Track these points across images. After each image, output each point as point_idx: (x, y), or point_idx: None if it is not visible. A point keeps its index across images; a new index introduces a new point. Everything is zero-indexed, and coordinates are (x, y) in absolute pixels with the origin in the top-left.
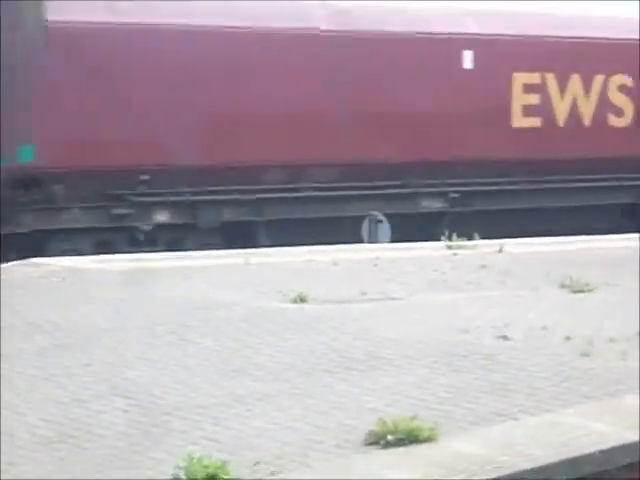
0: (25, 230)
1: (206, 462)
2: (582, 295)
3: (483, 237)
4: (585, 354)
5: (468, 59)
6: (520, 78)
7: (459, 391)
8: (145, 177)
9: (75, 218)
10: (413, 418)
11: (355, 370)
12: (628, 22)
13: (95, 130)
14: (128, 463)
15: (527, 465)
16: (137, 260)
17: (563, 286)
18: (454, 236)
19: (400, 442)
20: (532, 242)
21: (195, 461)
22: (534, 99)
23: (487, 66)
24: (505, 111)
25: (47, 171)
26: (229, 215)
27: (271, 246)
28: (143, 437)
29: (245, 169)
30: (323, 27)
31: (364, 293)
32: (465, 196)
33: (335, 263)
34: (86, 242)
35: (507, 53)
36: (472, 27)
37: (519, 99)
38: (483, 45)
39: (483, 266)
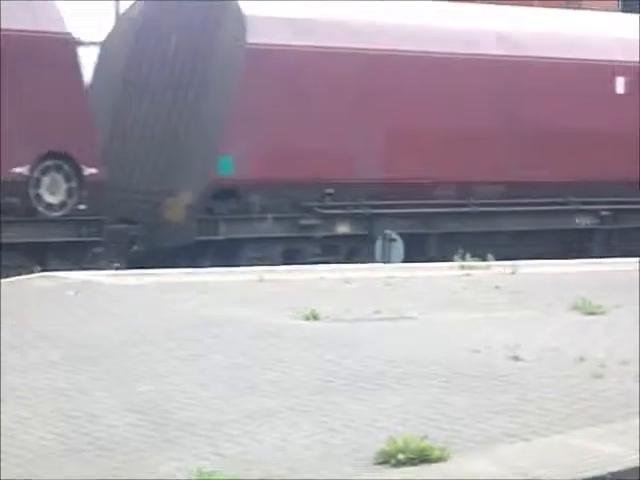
0: (221, 238)
1: (217, 477)
2: (594, 317)
3: (630, 254)
4: (597, 376)
5: (621, 85)
6: None
7: (470, 411)
8: (330, 190)
9: (268, 228)
10: (424, 437)
11: (366, 388)
12: None
13: (288, 145)
14: (138, 478)
15: None
16: (152, 275)
17: (575, 308)
18: (467, 256)
19: (411, 461)
20: (544, 264)
21: (206, 476)
22: None
23: (638, 91)
24: None
25: (244, 183)
26: (402, 227)
27: (436, 260)
28: (154, 452)
29: (418, 185)
30: (492, 52)
31: (377, 312)
32: (615, 214)
33: (348, 281)
34: (275, 250)
35: None
36: (619, 55)
37: None
38: (634, 72)
39: (496, 287)
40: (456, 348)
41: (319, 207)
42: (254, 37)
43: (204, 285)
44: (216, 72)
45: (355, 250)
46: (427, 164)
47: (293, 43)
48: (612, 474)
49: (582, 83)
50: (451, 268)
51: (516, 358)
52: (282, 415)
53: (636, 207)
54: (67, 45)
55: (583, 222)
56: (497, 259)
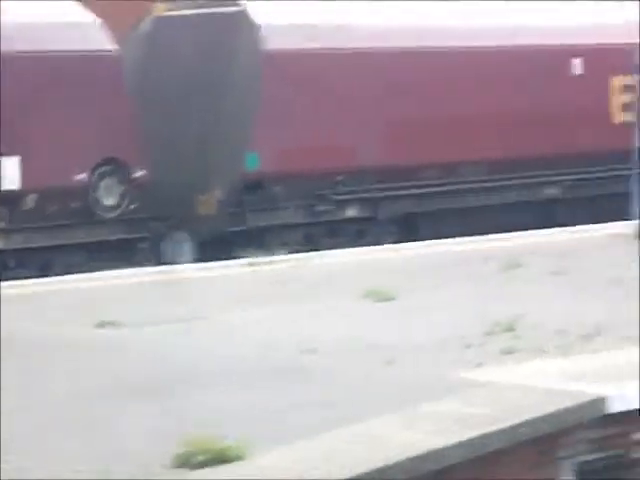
0: (251, 227)
1: None
2: (385, 304)
3: (591, 221)
4: (390, 362)
5: (577, 66)
6: (617, 80)
7: (267, 407)
8: (340, 178)
9: (289, 215)
10: (222, 437)
11: (160, 392)
12: None
13: (303, 140)
14: None
15: (339, 476)
16: None
17: (367, 296)
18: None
19: (209, 462)
20: (335, 254)
21: None
22: (628, 98)
23: (591, 72)
24: (605, 109)
25: (269, 176)
26: (403, 208)
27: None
28: None
29: (409, 168)
30: (463, 44)
31: (167, 314)
32: (576, 184)
33: (139, 285)
34: (295, 236)
35: (607, 60)
36: (580, 39)
37: (617, 98)
38: (588, 54)
39: (286, 281)
40: (250, 345)
41: (332, 194)
42: (270, 42)
43: None
44: (236, 80)
45: (362, 231)
46: (415, 149)
47: (302, 47)
48: (410, 459)
49: (542, 68)
50: (240, 266)
51: (310, 351)
52: (73, 426)
53: (595, 176)
54: (113, 62)
55: (550, 193)
56: (486, 233)
